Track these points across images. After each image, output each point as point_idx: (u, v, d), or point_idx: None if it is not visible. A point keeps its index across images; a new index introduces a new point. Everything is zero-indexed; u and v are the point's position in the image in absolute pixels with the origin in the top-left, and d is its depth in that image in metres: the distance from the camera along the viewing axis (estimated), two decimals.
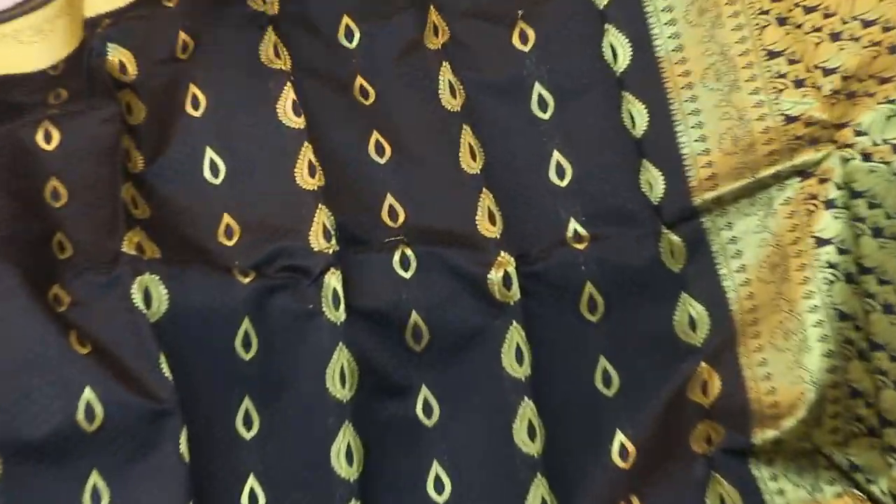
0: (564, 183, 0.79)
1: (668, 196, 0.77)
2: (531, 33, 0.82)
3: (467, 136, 0.80)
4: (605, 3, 0.80)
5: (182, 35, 0.83)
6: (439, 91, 0.81)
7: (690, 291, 0.78)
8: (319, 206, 0.76)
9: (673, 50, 0.79)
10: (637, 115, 0.79)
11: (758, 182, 0.74)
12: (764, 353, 0.75)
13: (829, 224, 0.71)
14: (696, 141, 0.78)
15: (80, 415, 0.68)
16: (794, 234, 0.73)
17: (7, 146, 0.80)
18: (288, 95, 0.79)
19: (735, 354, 0.77)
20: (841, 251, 0.71)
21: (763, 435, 0.74)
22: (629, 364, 0.78)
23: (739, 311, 0.76)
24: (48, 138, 0.80)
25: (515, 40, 0.82)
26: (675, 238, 0.76)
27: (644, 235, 0.77)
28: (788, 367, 0.73)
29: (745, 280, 0.76)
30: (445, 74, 0.81)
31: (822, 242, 0.71)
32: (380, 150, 0.80)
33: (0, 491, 0.69)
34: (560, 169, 0.79)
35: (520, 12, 0.82)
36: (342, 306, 0.73)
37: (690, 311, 0.77)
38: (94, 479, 0.69)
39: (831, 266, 0.71)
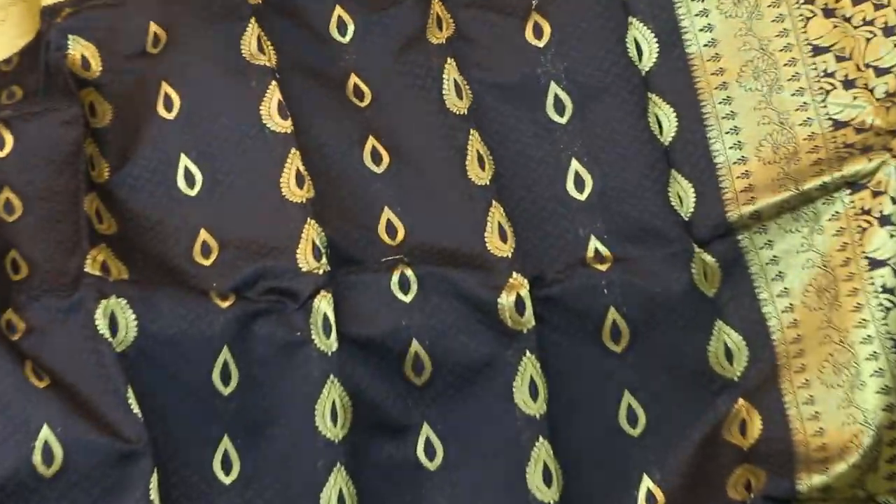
0: (584, 196, 0.77)
1: (700, 211, 0.76)
2: (546, 27, 0.80)
3: (475, 143, 0.78)
4: None
5: (153, 26, 0.81)
6: (443, 91, 0.79)
7: (726, 318, 0.76)
8: (308, 220, 0.73)
9: (705, 45, 0.77)
10: (664, 119, 0.78)
11: (802, 195, 0.72)
12: (811, 390, 0.74)
13: (884, 243, 0.70)
14: (731, 148, 0.76)
15: (37, 457, 0.66)
16: (845, 254, 0.72)
17: None
18: (273, 95, 0.77)
19: (778, 391, 0.76)
20: None
21: (809, 480, 0.73)
22: (657, 400, 0.77)
23: (782, 342, 0.75)
24: (0, 143, 0.78)
25: (529, 34, 0.81)
26: (708, 258, 0.75)
27: (674, 255, 0.75)
28: (839, 406, 0.72)
29: (788, 305, 0.74)
30: (450, 73, 0.79)
31: (875, 264, 0.70)
32: (376, 158, 0.78)
33: None
34: (579, 180, 0.77)
35: (534, 3, 0.81)
36: (333, 334, 0.71)
37: (726, 340, 0.76)
38: None
39: (886, 291, 0.70)
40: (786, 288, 0.74)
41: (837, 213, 0.71)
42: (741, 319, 0.76)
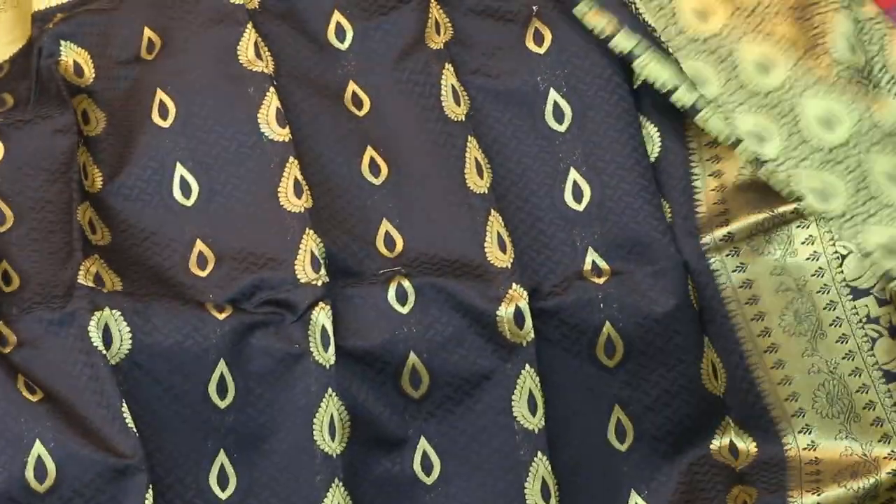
0: (581, 206, 0.78)
1: (675, 232, 0.79)
2: (547, 33, 0.82)
3: (473, 150, 0.79)
4: None
5: (147, 31, 0.82)
6: (441, 97, 0.80)
7: (709, 337, 0.78)
8: (307, 231, 0.74)
9: None
10: (648, 139, 0.80)
11: (776, 217, 0.74)
12: (807, 420, 0.76)
13: (864, 271, 0.72)
14: (710, 175, 0.78)
15: (30, 472, 0.66)
16: (822, 280, 0.73)
17: None
18: (271, 103, 0.77)
19: (770, 418, 0.78)
20: (881, 302, 0.71)
21: (801, 499, 0.75)
22: (647, 416, 0.78)
23: (761, 367, 0.76)
24: None
25: (529, 41, 0.81)
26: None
27: (671, 269, 0.76)
28: (837, 437, 0.74)
29: (763, 329, 0.76)
30: (448, 78, 0.80)
31: (858, 294, 0.71)
32: (375, 169, 0.79)
33: None
34: (577, 190, 0.78)
35: (535, 8, 0.81)
36: (332, 346, 0.72)
37: (712, 358, 0.78)
38: None
39: (872, 321, 0.72)
40: (760, 312, 0.76)
41: (811, 236, 0.73)
42: (717, 341, 0.79)
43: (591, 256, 0.76)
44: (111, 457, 0.67)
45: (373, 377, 0.73)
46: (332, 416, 0.71)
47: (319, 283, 0.72)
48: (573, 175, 0.78)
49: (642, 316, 0.75)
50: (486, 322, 0.73)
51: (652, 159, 0.79)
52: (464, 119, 0.79)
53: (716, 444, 0.78)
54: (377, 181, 0.77)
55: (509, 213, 0.78)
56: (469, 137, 0.78)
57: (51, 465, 0.66)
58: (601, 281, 0.75)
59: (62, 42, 0.81)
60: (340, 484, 0.71)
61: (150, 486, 0.67)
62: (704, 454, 0.78)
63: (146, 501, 0.67)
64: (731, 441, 0.77)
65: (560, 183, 0.78)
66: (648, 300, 0.75)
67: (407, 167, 0.79)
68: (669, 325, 0.76)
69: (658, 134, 0.78)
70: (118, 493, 0.68)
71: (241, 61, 0.79)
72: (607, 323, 0.75)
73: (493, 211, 0.76)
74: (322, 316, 0.71)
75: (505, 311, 0.72)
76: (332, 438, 0.71)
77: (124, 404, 0.68)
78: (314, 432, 0.71)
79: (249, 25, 0.80)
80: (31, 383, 0.68)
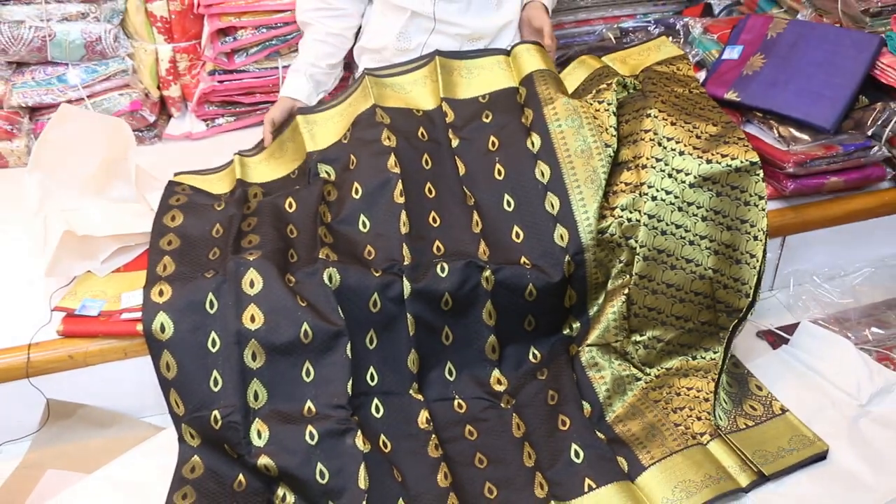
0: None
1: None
2: None
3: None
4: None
5: (351, 157, 1.44)
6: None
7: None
8: (404, 244, 1.33)
9: None
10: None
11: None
12: None
13: None
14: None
15: (301, 335, 1.20)
16: None
17: (272, 208, 1.40)
18: (397, 187, 1.35)
19: None
20: None
21: None
22: (544, 318, 1.39)
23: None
24: (290, 206, 1.41)
25: None
26: None
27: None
28: None
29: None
30: None
31: None
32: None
33: (265, 369, 1.19)
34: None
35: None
36: (407, 292, 1.29)
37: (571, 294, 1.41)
38: (307, 364, 1.21)
39: None
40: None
41: None
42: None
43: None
44: (334, 327, 1.20)
45: (431, 303, 1.28)
46: (408, 324, 1.26)
47: (409, 264, 1.29)
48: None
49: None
50: None
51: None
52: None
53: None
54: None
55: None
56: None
57: (310, 332, 1.18)
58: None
59: (319, 164, 1.43)
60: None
61: (349, 341, 1.20)
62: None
63: (347, 350, 1.20)
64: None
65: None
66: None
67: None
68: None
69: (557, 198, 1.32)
70: (336, 345, 1.20)
71: (388, 167, 1.38)
72: (530, 285, 1.33)
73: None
74: (406, 281, 1.27)
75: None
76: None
77: (339, 307, 1.22)
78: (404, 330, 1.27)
79: (392, 154, 1.38)
80: (301, 297, 1.20)
